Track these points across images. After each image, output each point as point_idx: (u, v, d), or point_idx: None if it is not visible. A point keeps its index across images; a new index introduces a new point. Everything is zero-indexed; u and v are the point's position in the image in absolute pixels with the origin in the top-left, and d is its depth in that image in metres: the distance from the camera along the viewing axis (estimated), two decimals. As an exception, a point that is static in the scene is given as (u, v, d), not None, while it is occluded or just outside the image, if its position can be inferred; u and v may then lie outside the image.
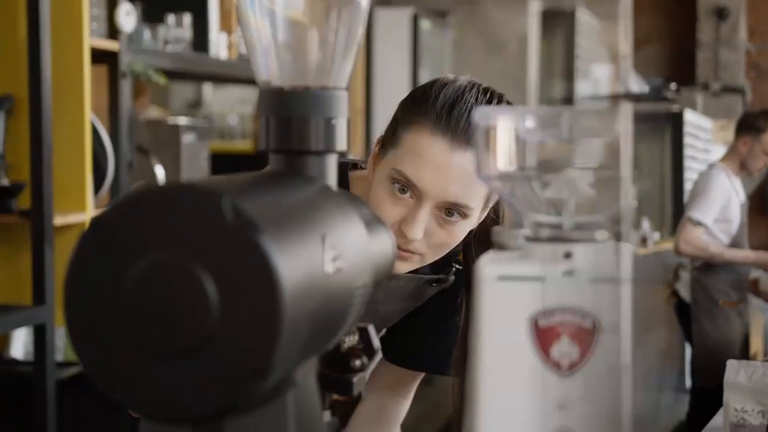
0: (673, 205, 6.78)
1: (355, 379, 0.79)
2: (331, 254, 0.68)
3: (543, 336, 0.66)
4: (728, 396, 1.84)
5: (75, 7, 2.59)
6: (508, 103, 1.34)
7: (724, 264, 4.30)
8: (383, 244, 0.83)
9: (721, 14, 9.43)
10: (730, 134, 8.39)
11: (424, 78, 7.01)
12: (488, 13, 6.53)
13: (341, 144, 0.78)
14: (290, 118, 0.77)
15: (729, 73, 9.36)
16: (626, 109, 0.64)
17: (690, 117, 7.32)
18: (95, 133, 2.67)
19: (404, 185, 1.26)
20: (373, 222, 0.83)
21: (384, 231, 0.85)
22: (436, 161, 1.24)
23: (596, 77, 7.43)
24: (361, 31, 0.79)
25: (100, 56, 2.78)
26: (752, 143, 4.22)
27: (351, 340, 0.85)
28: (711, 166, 4.47)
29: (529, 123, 0.68)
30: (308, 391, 0.72)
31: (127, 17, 2.78)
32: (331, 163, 0.79)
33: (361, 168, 1.43)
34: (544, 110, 0.68)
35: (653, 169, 7.25)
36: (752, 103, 9.86)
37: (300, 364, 0.68)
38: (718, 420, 2.07)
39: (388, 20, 6.35)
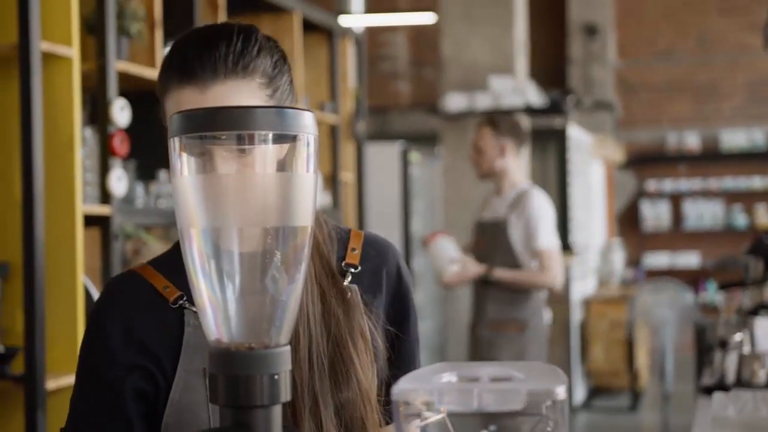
0: (560, 218, 6.90)
1: None
2: None
3: None
4: None
5: (68, 173, 2.69)
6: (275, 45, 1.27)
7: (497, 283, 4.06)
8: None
9: (590, 31, 9.69)
10: (605, 149, 8.51)
11: (417, 207, 7.20)
12: (477, 138, 6.63)
13: (285, 395, 0.87)
14: (237, 376, 0.85)
15: (599, 89, 9.61)
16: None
17: (572, 132, 7.49)
18: (88, 294, 2.75)
19: None
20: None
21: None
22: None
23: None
24: (298, 293, 0.88)
25: (92, 220, 2.88)
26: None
27: None
28: None
29: (446, 397, 0.76)
30: None
31: (119, 182, 2.89)
32: (276, 414, 0.86)
33: None
34: (456, 386, 0.76)
35: (541, 183, 7.37)
36: (622, 119, 10.07)
37: None
38: None
39: (379, 154, 6.55)
